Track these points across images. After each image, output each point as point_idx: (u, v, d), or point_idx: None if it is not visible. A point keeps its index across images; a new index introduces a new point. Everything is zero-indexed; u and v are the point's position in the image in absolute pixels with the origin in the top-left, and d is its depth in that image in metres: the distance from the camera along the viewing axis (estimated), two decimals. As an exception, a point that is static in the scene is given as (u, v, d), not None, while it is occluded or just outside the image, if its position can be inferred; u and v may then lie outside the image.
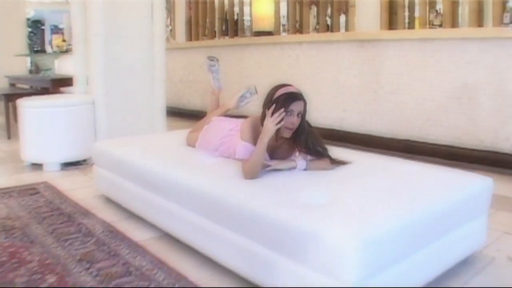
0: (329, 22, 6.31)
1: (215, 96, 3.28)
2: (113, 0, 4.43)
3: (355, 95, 5.18)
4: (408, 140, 4.73)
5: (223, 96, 3.34)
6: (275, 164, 2.37)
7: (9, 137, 5.62)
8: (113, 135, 4.22)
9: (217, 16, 7.65)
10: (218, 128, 2.85)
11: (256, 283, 2.03)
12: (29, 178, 3.97)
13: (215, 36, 7.71)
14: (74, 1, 4.62)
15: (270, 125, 2.23)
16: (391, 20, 5.27)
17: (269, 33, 6.55)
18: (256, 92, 3.09)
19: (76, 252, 2.47)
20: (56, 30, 7.40)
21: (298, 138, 2.38)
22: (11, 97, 5.51)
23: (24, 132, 4.28)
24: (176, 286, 2.11)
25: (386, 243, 1.68)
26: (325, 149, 2.47)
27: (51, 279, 2.17)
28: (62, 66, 7.04)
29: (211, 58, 3.22)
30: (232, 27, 7.38)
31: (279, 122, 2.23)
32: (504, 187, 3.55)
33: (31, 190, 3.60)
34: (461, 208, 2.11)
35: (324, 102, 5.45)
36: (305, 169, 2.38)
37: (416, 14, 5.44)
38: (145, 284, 2.12)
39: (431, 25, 5.50)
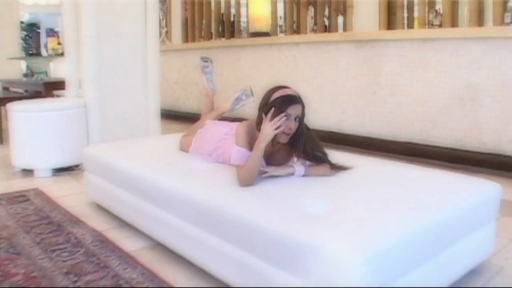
0: (326, 23, 6.21)
1: (209, 99, 3.17)
2: (106, 1, 4.32)
3: (354, 96, 5.07)
4: (408, 143, 4.62)
5: (218, 98, 3.23)
6: (272, 170, 2.25)
7: (1, 142, 5.51)
8: (106, 139, 4.11)
9: (213, 17, 7.57)
10: (213, 132, 2.74)
11: (252, 297, 1.91)
12: (20, 184, 3.86)
13: (211, 38, 7.61)
14: (66, 2, 4.50)
15: (269, 130, 2.11)
16: (390, 20, 5.19)
17: (265, 34, 6.46)
18: (252, 94, 2.99)
19: (64, 264, 2.35)
20: (51, 33, 7.34)
21: (296, 143, 2.26)
22: (3, 101, 5.40)
23: (14, 137, 4.15)
24: (168, 300, 2.00)
25: (391, 256, 1.57)
26: (325, 154, 2.36)
27: (36, 294, 2.06)
28: (57, 69, 6.95)
29: (204, 59, 3.12)
30: (229, 28, 7.30)
31: (278, 127, 2.12)
32: (509, 191, 3.43)
33: (20, 197, 3.48)
34: (470, 216, 2.00)
35: (322, 104, 5.34)
36: (303, 175, 2.27)
37: (415, 14, 5.35)
38: (135, 298, 2.01)
39: (431, 25, 5.41)
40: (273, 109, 2.14)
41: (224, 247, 2.00)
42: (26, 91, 6.79)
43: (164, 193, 2.40)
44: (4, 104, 5.21)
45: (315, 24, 6.04)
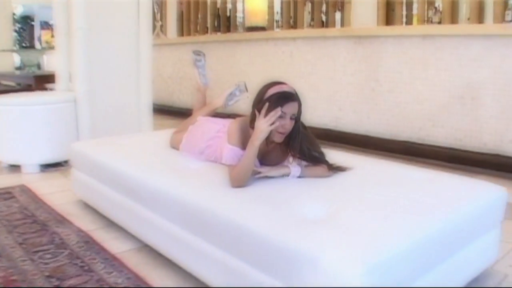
0: (324, 18, 6.10)
1: (202, 93, 3.03)
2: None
3: (352, 93, 4.96)
4: (407, 142, 4.51)
5: (213, 94, 3.11)
6: (266, 170, 2.13)
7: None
8: (97, 134, 4.00)
9: (209, 11, 7.45)
10: (204, 129, 2.61)
11: (243, 306, 1.80)
12: (6, 181, 3.72)
13: (207, 32, 7.49)
14: (57, -7, 4.37)
15: (263, 126, 1.98)
16: (389, 17, 5.08)
17: (262, 29, 6.34)
18: (246, 90, 2.86)
19: (46, 267, 2.23)
20: (45, 26, 7.25)
21: (292, 142, 2.13)
22: (-9, 94, 5.26)
23: (1, 132, 4.01)
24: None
25: (393, 267, 1.45)
26: (322, 154, 2.24)
27: (13, 300, 1.94)
28: (51, 62, 6.81)
29: (197, 53, 2.99)
30: (225, 23, 7.19)
31: (273, 123, 1.99)
32: (509, 193, 3.32)
33: (5, 195, 3.35)
34: (476, 222, 1.89)
35: (319, 101, 5.23)
36: (299, 176, 2.15)
37: (414, 11, 5.25)
38: (119, 305, 1.89)
39: (430, 22, 5.31)
40: (267, 104, 2.02)
41: (214, 252, 1.89)
42: (19, 84, 6.68)
43: (152, 193, 2.28)
44: (-8, 97, 5.08)
45: (312, 19, 5.94)
